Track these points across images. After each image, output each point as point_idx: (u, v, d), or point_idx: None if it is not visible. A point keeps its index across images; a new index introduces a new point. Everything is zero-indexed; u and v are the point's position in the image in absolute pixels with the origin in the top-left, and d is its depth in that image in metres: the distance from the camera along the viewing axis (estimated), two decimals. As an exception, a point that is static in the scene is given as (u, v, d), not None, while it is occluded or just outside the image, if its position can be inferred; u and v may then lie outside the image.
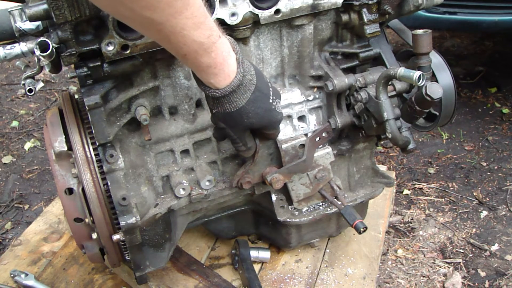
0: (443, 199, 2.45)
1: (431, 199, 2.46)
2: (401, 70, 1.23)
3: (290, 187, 1.53)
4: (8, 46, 1.27)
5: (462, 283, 1.97)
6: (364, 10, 1.38)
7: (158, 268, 1.53)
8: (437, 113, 1.52)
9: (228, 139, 1.27)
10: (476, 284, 1.98)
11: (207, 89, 1.10)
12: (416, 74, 1.20)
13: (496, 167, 2.66)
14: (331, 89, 1.43)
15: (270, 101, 1.18)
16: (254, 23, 1.35)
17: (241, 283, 1.72)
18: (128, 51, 1.20)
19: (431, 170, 2.68)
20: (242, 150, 1.29)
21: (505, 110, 3.13)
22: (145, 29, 0.98)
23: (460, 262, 2.08)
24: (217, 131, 1.28)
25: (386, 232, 2.17)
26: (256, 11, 1.31)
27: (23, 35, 1.28)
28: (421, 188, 2.53)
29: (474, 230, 2.26)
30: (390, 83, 1.34)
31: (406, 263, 2.07)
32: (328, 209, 1.61)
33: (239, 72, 1.08)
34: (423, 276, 2.01)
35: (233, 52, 1.08)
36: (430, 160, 2.76)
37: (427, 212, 2.36)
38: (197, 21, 0.93)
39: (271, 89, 1.20)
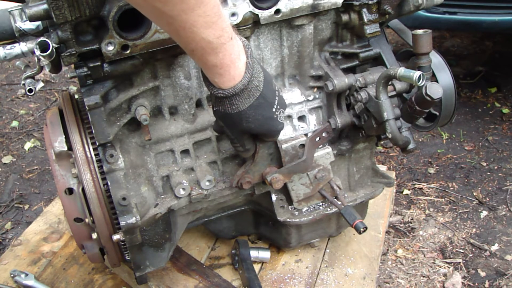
0: (443, 199, 2.46)
1: (431, 199, 2.46)
2: (401, 70, 1.23)
3: (290, 187, 1.53)
4: (8, 46, 1.27)
5: (462, 283, 1.97)
6: (364, 10, 1.38)
7: (158, 268, 1.53)
8: (437, 113, 1.52)
9: (227, 137, 1.27)
10: (476, 284, 1.98)
11: (211, 86, 1.10)
12: (416, 74, 1.20)
13: (496, 167, 2.66)
14: (331, 89, 1.43)
15: (273, 110, 1.17)
16: (254, 23, 1.35)
17: (241, 283, 1.72)
18: (128, 51, 1.20)
19: (431, 170, 2.68)
20: (240, 150, 1.30)
21: (505, 110, 3.13)
22: (155, 19, 1.00)
23: (460, 262, 2.08)
24: (217, 124, 1.28)
25: (386, 232, 2.17)
26: (256, 11, 1.31)
27: (23, 35, 1.28)
28: (421, 188, 2.53)
29: (474, 230, 2.26)
30: (390, 83, 1.34)
31: (406, 263, 2.07)
32: (328, 209, 1.61)
33: (245, 76, 1.07)
34: (423, 276, 2.01)
35: (244, 55, 1.07)
36: (430, 160, 2.76)
37: (427, 212, 2.36)
38: (209, 20, 0.93)
39: (277, 98, 1.18)
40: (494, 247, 2.14)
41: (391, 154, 2.83)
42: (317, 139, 1.46)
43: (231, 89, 1.08)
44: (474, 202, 2.43)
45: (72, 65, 1.23)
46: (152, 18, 0.99)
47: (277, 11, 1.34)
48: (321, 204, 1.63)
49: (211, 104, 1.41)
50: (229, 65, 1.04)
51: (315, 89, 1.53)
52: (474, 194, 2.48)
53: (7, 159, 3.00)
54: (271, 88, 1.17)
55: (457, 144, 2.90)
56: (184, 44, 1.00)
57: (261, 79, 1.12)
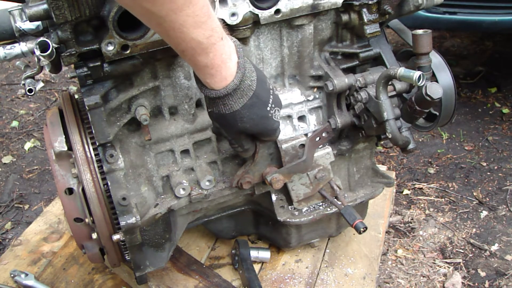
0: (443, 199, 2.46)
1: (431, 199, 2.46)
2: (401, 70, 1.23)
3: (290, 187, 1.53)
4: (8, 46, 1.27)
5: (462, 283, 1.97)
6: (364, 10, 1.38)
7: (158, 268, 1.53)
8: (437, 113, 1.52)
9: (225, 138, 1.27)
10: (476, 284, 1.98)
11: (203, 87, 1.10)
12: (416, 74, 1.20)
13: (496, 167, 2.66)
14: (331, 89, 1.43)
15: (268, 108, 1.17)
16: (254, 23, 1.35)
17: (241, 283, 1.72)
18: (128, 51, 1.20)
19: (431, 170, 2.68)
20: (239, 151, 1.30)
21: (505, 110, 3.13)
22: (145, 20, 0.99)
23: (460, 262, 2.08)
24: (215, 125, 1.28)
25: (386, 232, 2.17)
26: (256, 11, 1.31)
27: (23, 35, 1.28)
28: (421, 188, 2.53)
29: (474, 230, 2.26)
30: (390, 83, 1.34)
31: (406, 263, 2.07)
32: (328, 209, 1.61)
33: (237, 76, 1.07)
34: (423, 276, 2.01)
35: (235, 55, 1.07)
36: (430, 160, 2.76)
37: (427, 212, 2.36)
38: (198, 20, 0.93)
39: (271, 96, 1.18)
40: (494, 247, 2.14)
41: (391, 154, 2.83)
42: (317, 139, 1.46)
43: (223, 89, 1.07)
44: (474, 202, 2.43)
45: (72, 65, 1.23)
46: (142, 18, 0.99)
47: (277, 11, 1.34)
48: (321, 204, 1.63)
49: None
50: (220, 65, 1.04)
51: (315, 89, 1.53)
52: (474, 194, 2.48)
53: (7, 159, 3.00)
54: (265, 87, 1.16)
55: (457, 144, 2.90)
56: (175, 45, 1.00)
57: (254, 78, 1.12)
